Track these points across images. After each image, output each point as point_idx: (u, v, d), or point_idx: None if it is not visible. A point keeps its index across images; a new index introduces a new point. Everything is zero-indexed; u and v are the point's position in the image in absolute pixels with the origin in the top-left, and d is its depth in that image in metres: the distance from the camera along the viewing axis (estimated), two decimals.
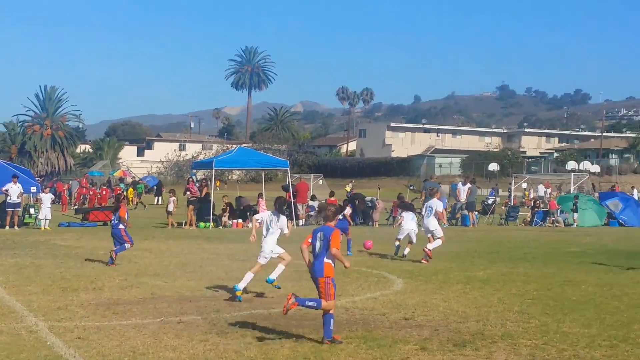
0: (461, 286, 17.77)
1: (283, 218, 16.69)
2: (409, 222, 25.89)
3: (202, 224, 39.93)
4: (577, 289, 17.49)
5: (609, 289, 17.54)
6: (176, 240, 31.24)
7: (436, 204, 24.46)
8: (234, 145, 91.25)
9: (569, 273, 20.45)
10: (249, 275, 16.38)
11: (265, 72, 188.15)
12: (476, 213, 45.09)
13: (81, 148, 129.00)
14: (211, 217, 39.84)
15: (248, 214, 43.02)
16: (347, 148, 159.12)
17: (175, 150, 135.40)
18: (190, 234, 34.77)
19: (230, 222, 40.66)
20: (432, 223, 24.27)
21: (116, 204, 24.46)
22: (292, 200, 42.43)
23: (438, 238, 24.11)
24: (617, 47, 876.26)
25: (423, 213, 25.30)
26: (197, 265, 22.03)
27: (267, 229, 16.59)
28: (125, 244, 22.47)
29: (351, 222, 40.19)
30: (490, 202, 50.55)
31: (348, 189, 73.51)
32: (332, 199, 45.07)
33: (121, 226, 22.64)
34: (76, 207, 56.68)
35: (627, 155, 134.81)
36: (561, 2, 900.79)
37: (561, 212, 45.42)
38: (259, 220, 17.02)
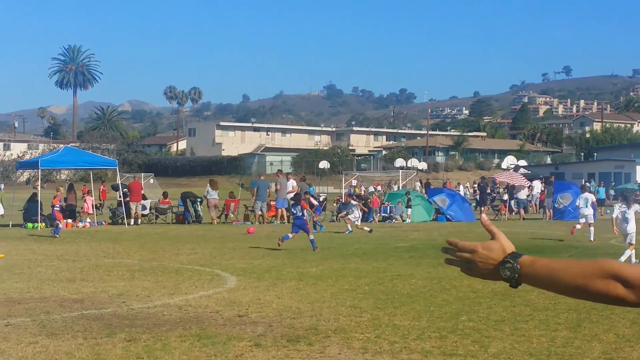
0: (294, 282, 17.86)
1: None
2: None
3: (30, 225, 39.00)
4: (407, 283, 17.82)
5: (438, 282, 17.93)
6: (3, 241, 30.37)
7: None
8: (61, 145, 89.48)
9: (399, 268, 20.83)
10: None
11: (90, 70, 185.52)
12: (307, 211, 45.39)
13: None
14: (39, 217, 38.94)
15: (77, 213, 42.32)
16: (177, 147, 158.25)
17: None
18: (17, 235, 33.86)
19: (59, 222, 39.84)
20: None
21: None
22: (123, 199, 41.94)
23: None
24: (441, 47, 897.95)
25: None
26: (25, 266, 21.44)
27: None
28: None
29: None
30: (321, 199, 50.98)
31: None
32: (166, 200, 44.79)
33: None
34: None
35: (452, 152, 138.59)
36: (387, 1, 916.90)
37: (391, 208, 46.30)
38: None
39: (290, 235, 26.54)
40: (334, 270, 20.33)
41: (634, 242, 22.37)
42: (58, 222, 33.65)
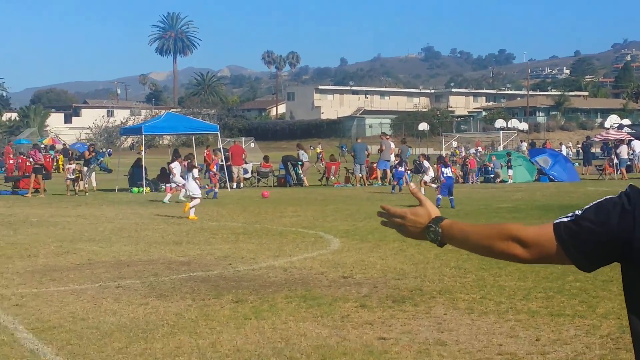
0: (398, 244, 17.85)
1: None
2: None
3: (135, 189, 39.69)
4: None
5: None
6: (110, 205, 31.02)
7: None
8: (163, 111, 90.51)
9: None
10: None
11: (189, 37, 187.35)
12: (409, 172, 45.35)
13: (7, 116, 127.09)
14: (144, 181, 39.58)
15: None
16: (276, 111, 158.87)
17: (103, 116, 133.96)
18: (124, 199, 34.51)
19: (163, 186, 40.41)
20: None
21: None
22: (224, 163, 42.35)
23: None
24: (540, 5, 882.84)
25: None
26: (133, 229, 21.89)
27: None
28: None
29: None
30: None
31: (318, 150, 72.99)
32: (268, 163, 45.16)
33: None
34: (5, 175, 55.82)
35: (553, 112, 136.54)
36: None
37: (491, 169, 45.97)
38: None
39: (439, 196, 27.74)
40: None
41: None
42: (214, 185, 36.07)
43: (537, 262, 3.07)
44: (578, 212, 2.98)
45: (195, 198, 25.28)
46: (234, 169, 42.60)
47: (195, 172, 25.67)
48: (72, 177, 38.29)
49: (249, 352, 9.03)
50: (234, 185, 41.71)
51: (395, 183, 37.95)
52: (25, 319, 10.85)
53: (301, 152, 45.30)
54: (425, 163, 36.38)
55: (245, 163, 44.54)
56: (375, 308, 11.30)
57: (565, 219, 3.01)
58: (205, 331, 10.05)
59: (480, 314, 10.90)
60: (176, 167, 32.37)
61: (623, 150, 48.46)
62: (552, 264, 3.03)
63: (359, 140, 47.71)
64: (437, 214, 3.34)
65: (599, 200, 2.99)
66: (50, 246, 18.45)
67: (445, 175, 28.43)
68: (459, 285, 12.91)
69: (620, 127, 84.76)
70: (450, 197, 27.88)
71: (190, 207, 24.86)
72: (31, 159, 41.06)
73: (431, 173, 35.51)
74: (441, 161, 30.90)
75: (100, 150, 75.86)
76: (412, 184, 3.82)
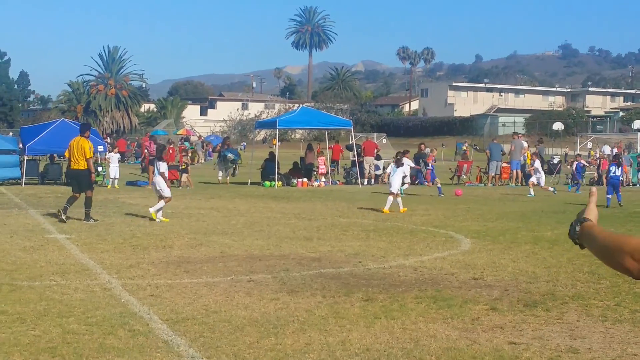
0: (529, 246, 17.68)
1: None
2: None
3: (267, 183, 40.15)
4: None
5: None
6: (242, 199, 31.45)
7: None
8: (296, 105, 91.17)
9: (638, 233, 20.23)
10: None
11: (326, 31, 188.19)
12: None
13: (145, 107, 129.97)
14: (276, 175, 40.00)
15: (313, 172, 43.20)
16: (409, 107, 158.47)
17: (237, 109, 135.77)
18: (256, 193, 34.94)
19: (295, 181, 40.76)
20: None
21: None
22: (357, 159, 42.50)
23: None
24: None
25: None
26: (265, 224, 22.16)
27: None
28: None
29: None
30: (555, 161, 50.16)
31: (464, 147, 72.48)
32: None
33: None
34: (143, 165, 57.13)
35: None
36: None
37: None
38: None
39: (609, 196, 28.66)
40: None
41: None
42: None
43: None
44: None
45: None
46: (365, 164, 42.70)
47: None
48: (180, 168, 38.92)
49: (378, 352, 9.05)
50: (365, 182, 41.81)
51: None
52: (160, 310, 11.10)
53: (427, 149, 45.08)
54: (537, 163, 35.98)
55: (378, 159, 44.53)
56: (506, 312, 11.20)
57: None
58: (335, 329, 10.11)
59: (614, 321, 10.69)
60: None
61: None
62: None
63: (494, 141, 47.14)
64: (588, 215, 3.53)
65: None
66: (184, 238, 18.82)
67: (612, 173, 29.37)
68: (593, 291, 12.69)
69: None
70: (617, 194, 28.96)
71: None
72: (146, 150, 41.88)
73: (541, 174, 35.23)
74: (615, 159, 31.56)
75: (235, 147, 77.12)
76: (593, 188, 3.90)
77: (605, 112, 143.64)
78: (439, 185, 35.30)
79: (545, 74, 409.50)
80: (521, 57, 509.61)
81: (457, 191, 35.52)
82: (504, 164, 44.08)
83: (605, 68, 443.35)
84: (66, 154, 23.66)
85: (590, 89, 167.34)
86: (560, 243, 18.21)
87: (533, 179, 35.34)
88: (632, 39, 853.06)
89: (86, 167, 22.41)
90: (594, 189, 3.85)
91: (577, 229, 3.48)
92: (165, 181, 23.23)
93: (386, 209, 25.85)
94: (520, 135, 46.89)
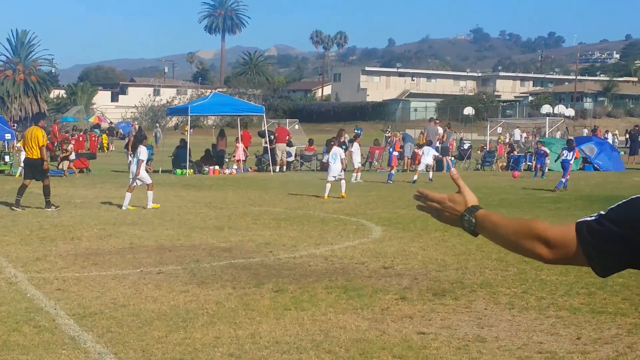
0: (439, 234, 17.79)
1: None
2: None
3: (178, 171, 39.84)
4: None
5: None
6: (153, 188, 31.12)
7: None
8: (209, 90, 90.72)
9: (545, 220, 20.44)
10: None
11: (239, 15, 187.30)
12: (452, 158, 45.25)
13: (55, 93, 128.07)
14: (187, 163, 39.73)
15: (225, 160, 43.01)
16: (322, 92, 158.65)
17: (149, 95, 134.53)
18: (167, 181, 34.64)
19: (206, 169, 40.54)
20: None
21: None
22: (269, 146, 42.44)
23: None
24: None
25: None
26: (175, 213, 21.99)
27: None
28: None
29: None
30: (466, 147, 50.67)
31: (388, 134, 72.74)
32: (312, 147, 45.20)
33: None
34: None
35: (601, 98, 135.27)
36: None
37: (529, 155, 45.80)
38: None
39: (563, 179, 30.14)
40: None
41: None
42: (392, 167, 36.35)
43: (559, 263, 3.07)
44: (602, 212, 2.95)
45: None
46: (278, 151, 42.66)
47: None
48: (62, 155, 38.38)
49: (287, 345, 9.05)
50: (277, 169, 41.78)
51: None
52: (67, 305, 10.94)
53: (346, 135, 45.21)
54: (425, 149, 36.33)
55: (290, 146, 44.51)
56: (415, 301, 11.28)
57: (589, 219, 2.97)
58: (244, 321, 10.08)
59: (521, 309, 10.84)
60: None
61: None
62: (573, 265, 3.04)
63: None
64: (474, 203, 3.36)
65: (626, 200, 2.94)
66: (93, 229, 18.57)
67: (563, 157, 31.07)
68: (500, 278, 12.84)
69: None
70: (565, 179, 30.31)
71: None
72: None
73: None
74: (568, 143, 32.94)
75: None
76: (453, 170, 3.76)
77: (515, 97, 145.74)
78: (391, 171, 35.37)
79: (457, 58, 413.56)
80: (433, 41, 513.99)
81: (514, 173, 38.10)
82: (416, 149, 44.38)
83: (516, 52, 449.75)
84: (21, 143, 23.94)
85: (501, 74, 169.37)
86: None
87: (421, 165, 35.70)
88: (542, 23, 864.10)
89: (39, 157, 22.31)
90: (453, 170, 3.73)
91: (472, 219, 3.31)
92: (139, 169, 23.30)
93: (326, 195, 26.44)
94: (437, 121, 47.17)
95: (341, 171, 27.07)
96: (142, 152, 23.30)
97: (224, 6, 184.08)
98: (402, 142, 44.42)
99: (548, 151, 41.05)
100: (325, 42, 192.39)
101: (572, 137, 42.99)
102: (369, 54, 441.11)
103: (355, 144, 36.56)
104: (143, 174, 23.09)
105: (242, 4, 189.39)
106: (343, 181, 27.01)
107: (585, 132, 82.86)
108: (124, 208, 22.56)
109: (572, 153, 31.31)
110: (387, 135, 71.61)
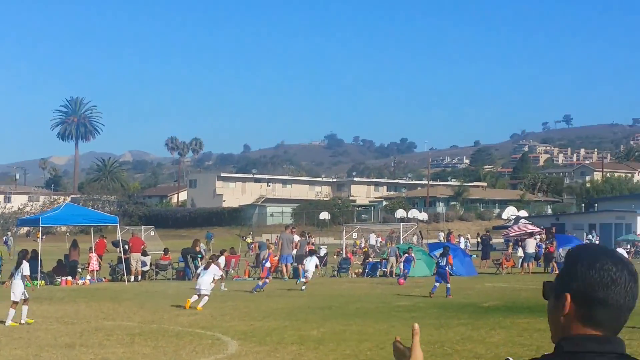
0: (296, 347, 17.67)
1: None
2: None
3: (29, 283, 38.65)
4: None
5: (440, 346, 17.74)
6: (2, 302, 30.16)
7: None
8: (62, 198, 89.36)
9: (401, 329, 20.49)
10: None
11: (92, 122, 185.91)
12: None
13: None
14: (39, 274, 38.67)
15: (78, 270, 42.12)
16: (177, 198, 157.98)
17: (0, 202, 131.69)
18: None
19: (59, 280, 39.57)
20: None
21: None
22: (123, 255, 41.84)
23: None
24: (441, 96, 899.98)
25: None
26: (25, 330, 21.27)
27: None
28: None
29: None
30: (322, 253, 50.78)
31: (249, 240, 72.70)
32: (167, 256, 44.76)
33: None
34: None
35: (453, 202, 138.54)
36: (384, 54, 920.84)
37: (384, 261, 46.33)
38: None
39: (436, 284, 30.44)
40: (335, 333, 20.13)
41: None
42: (265, 278, 35.42)
43: None
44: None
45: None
46: (132, 261, 42.04)
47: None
48: None
49: None
50: (132, 279, 41.11)
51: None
52: None
53: (201, 245, 45.05)
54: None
55: (144, 255, 43.92)
56: None
57: None
58: None
59: None
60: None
61: (529, 244, 48.33)
62: None
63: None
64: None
65: None
66: None
67: (440, 264, 31.53)
68: None
69: (518, 218, 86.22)
70: (446, 285, 30.66)
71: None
72: None
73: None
74: (443, 250, 33.71)
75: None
76: (416, 325, 3.47)
77: (370, 201, 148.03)
78: (265, 281, 35.02)
79: (312, 163, 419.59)
80: (288, 147, 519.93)
81: (399, 281, 37.47)
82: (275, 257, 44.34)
83: (370, 157, 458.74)
84: None
85: (355, 179, 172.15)
86: (325, 342, 18.35)
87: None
88: (394, 129, 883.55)
89: None
90: (416, 325, 3.65)
91: None
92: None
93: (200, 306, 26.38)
94: (293, 229, 47.27)
95: (209, 286, 27.16)
96: (25, 267, 23.01)
97: (77, 113, 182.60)
98: (257, 250, 44.44)
99: (414, 257, 41.99)
100: (180, 148, 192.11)
101: (447, 245, 43.71)
102: (225, 159, 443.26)
103: (222, 257, 37.42)
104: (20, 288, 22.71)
105: (96, 110, 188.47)
106: (206, 297, 26.75)
107: (442, 235, 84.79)
108: (7, 324, 21.98)
109: (445, 259, 31.89)
110: (249, 242, 71.74)
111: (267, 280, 35.07)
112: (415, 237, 70.42)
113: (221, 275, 32.52)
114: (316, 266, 37.62)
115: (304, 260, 37.09)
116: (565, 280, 3.04)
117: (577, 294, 2.99)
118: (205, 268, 28.52)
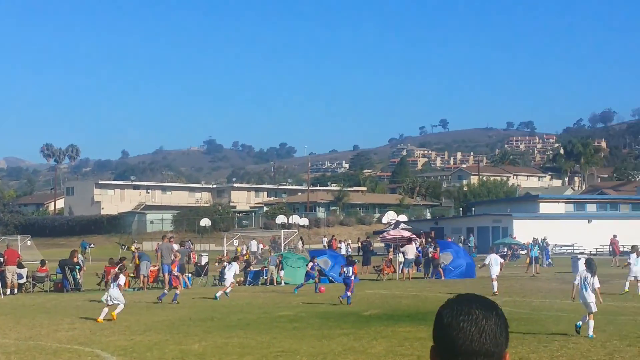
0: None
1: None
2: None
3: None
4: None
5: (323, 358, 17.69)
6: None
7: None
8: None
9: (283, 342, 20.46)
10: None
11: None
12: (189, 275, 44.99)
13: None
14: None
15: None
16: (55, 206, 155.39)
17: None
18: None
19: None
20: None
21: None
22: None
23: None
24: (320, 101, 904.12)
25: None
26: None
27: None
28: None
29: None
30: (203, 262, 50.43)
31: (133, 248, 71.56)
32: (44, 267, 43.79)
33: None
34: None
35: (333, 207, 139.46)
36: (262, 58, 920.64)
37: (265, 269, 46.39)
38: None
39: (349, 293, 31.10)
40: (217, 346, 19.89)
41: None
42: (175, 287, 34.68)
43: None
44: None
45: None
46: (8, 273, 41.04)
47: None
48: None
49: None
50: (8, 292, 40.15)
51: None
52: None
53: (79, 255, 44.26)
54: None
55: (20, 267, 42.92)
56: None
57: None
58: None
59: None
60: None
61: (409, 250, 48.54)
62: None
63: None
64: None
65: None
66: None
67: (345, 273, 31.92)
68: None
69: (397, 224, 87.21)
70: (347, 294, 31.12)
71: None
72: None
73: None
74: (347, 259, 34.79)
75: None
76: None
77: (251, 207, 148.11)
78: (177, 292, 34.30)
79: (192, 168, 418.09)
80: (167, 152, 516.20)
81: (320, 289, 37.38)
82: (152, 267, 43.89)
83: (249, 162, 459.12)
84: None
85: (235, 185, 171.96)
86: (207, 357, 18.14)
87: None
88: (273, 134, 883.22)
89: None
90: None
91: None
92: None
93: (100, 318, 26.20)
94: (171, 238, 46.77)
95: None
96: None
97: None
98: (137, 261, 43.97)
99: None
100: (56, 155, 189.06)
101: (351, 255, 43.95)
102: (103, 166, 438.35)
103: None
104: None
105: None
106: (121, 306, 26.81)
107: (325, 240, 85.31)
108: None
109: (351, 268, 32.34)
110: (133, 250, 70.79)
111: (178, 292, 34.35)
112: (300, 243, 70.71)
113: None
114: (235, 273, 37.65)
115: (225, 269, 37.55)
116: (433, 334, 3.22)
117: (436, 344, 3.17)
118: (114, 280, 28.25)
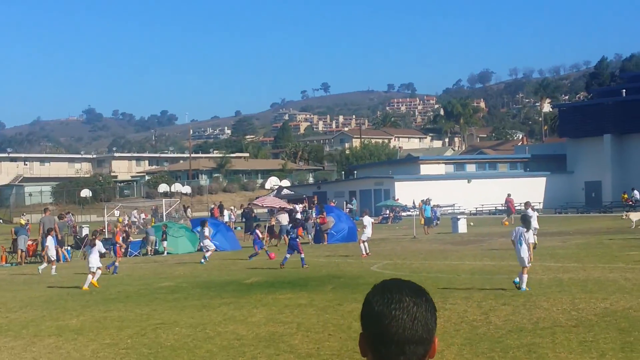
0: (54, 339, 17.02)
1: None
2: None
3: None
4: (171, 332, 17.26)
5: (202, 329, 17.51)
6: None
7: None
8: None
9: (163, 313, 20.20)
10: None
11: None
12: (68, 248, 44.32)
13: None
14: None
15: None
16: None
17: None
18: None
19: None
20: None
21: None
22: None
23: None
24: (199, 66, 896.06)
25: None
26: None
27: None
28: None
29: None
30: (84, 234, 49.72)
31: (23, 222, 69.78)
32: None
33: None
34: None
35: (216, 174, 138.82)
36: (141, 24, 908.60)
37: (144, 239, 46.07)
38: None
39: (287, 256, 31.95)
40: (95, 320, 19.54)
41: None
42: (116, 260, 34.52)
43: None
44: None
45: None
46: None
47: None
48: None
49: None
50: None
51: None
52: None
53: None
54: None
55: None
56: None
57: None
58: None
59: None
60: None
61: (283, 218, 48.98)
62: None
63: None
64: None
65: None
66: None
67: (292, 235, 32.78)
68: None
69: (280, 189, 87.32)
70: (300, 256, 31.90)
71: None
72: None
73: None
74: (292, 222, 36.23)
75: None
76: None
77: (132, 177, 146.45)
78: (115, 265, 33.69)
79: (71, 139, 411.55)
80: (45, 123, 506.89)
81: (270, 255, 36.44)
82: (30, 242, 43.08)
83: (130, 131, 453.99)
84: None
85: (116, 154, 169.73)
86: (85, 332, 17.80)
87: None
88: (154, 102, 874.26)
89: None
90: None
91: None
92: None
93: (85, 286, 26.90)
94: (49, 210, 45.94)
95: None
96: None
97: None
98: (14, 235, 43.05)
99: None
100: None
101: (205, 219, 43.73)
102: None
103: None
104: None
105: None
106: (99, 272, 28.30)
107: (213, 207, 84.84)
108: None
109: (296, 230, 33.40)
110: (22, 223, 69.32)
111: (116, 263, 33.83)
112: (189, 210, 70.23)
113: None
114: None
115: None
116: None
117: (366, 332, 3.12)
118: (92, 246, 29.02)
